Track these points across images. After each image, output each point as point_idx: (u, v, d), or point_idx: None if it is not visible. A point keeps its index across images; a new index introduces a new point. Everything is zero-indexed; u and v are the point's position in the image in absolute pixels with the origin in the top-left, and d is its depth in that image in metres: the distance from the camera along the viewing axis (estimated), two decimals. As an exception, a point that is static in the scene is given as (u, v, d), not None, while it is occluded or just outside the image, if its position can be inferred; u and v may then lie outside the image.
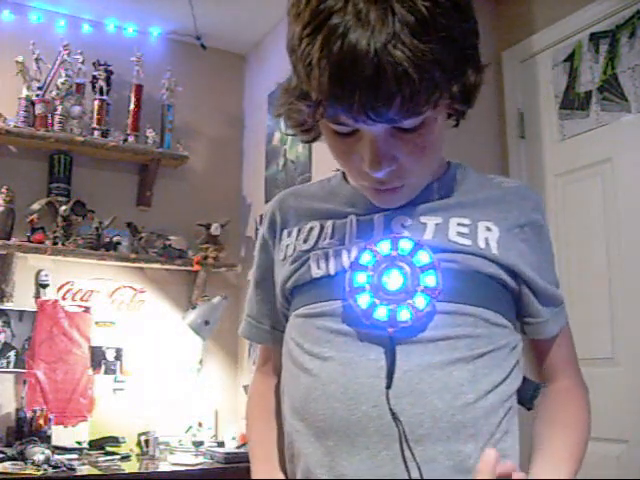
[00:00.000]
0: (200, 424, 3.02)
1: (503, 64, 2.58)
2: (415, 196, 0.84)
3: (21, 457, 2.36)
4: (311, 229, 0.89)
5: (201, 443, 2.90)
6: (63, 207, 2.83)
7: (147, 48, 3.22)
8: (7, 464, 2.30)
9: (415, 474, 0.74)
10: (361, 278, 0.80)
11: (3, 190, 2.72)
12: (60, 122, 2.86)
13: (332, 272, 0.83)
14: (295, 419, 0.83)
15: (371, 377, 0.77)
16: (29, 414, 2.64)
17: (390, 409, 0.75)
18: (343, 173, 0.94)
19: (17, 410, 2.69)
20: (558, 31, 2.40)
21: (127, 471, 2.44)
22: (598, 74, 2.26)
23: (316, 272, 0.85)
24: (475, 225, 0.83)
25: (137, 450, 2.77)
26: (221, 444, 2.93)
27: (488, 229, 0.83)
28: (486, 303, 0.81)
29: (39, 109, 2.84)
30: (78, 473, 2.32)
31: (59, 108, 2.86)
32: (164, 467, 2.56)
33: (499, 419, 0.78)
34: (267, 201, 3.12)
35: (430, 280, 0.78)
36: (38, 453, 2.32)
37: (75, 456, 2.56)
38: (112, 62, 3.07)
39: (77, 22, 3.12)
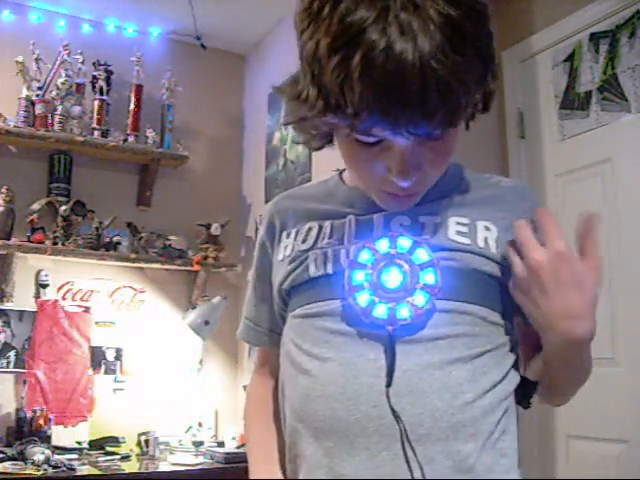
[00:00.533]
0: (200, 424, 3.02)
1: (503, 64, 2.58)
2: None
3: (21, 457, 2.36)
4: (310, 229, 0.89)
5: (201, 443, 2.90)
6: (63, 207, 2.83)
7: (147, 48, 3.23)
8: (7, 464, 2.30)
9: (417, 474, 0.73)
10: (360, 276, 0.79)
11: (3, 190, 2.72)
12: (60, 122, 2.86)
13: (331, 271, 0.83)
14: (294, 420, 0.83)
15: (370, 377, 0.76)
16: (29, 414, 2.64)
17: (391, 408, 0.75)
18: (340, 174, 0.93)
19: (17, 410, 2.69)
20: (558, 31, 2.39)
21: (127, 471, 2.44)
22: (598, 74, 2.26)
23: (314, 271, 0.84)
24: (474, 224, 0.83)
25: (137, 450, 2.77)
26: (221, 444, 2.93)
27: (487, 228, 0.83)
28: (484, 301, 0.81)
29: (39, 109, 2.84)
30: (78, 473, 2.33)
31: (59, 108, 2.86)
32: (164, 467, 2.57)
33: (497, 418, 0.78)
34: (267, 201, 3.12)
35: (429, 278, 0.78)
36: (38, 453, 2.32)
37: (75, 456, 2.56)
38: (112, 62, 3.07)
39: (77, 22, 3.12)
